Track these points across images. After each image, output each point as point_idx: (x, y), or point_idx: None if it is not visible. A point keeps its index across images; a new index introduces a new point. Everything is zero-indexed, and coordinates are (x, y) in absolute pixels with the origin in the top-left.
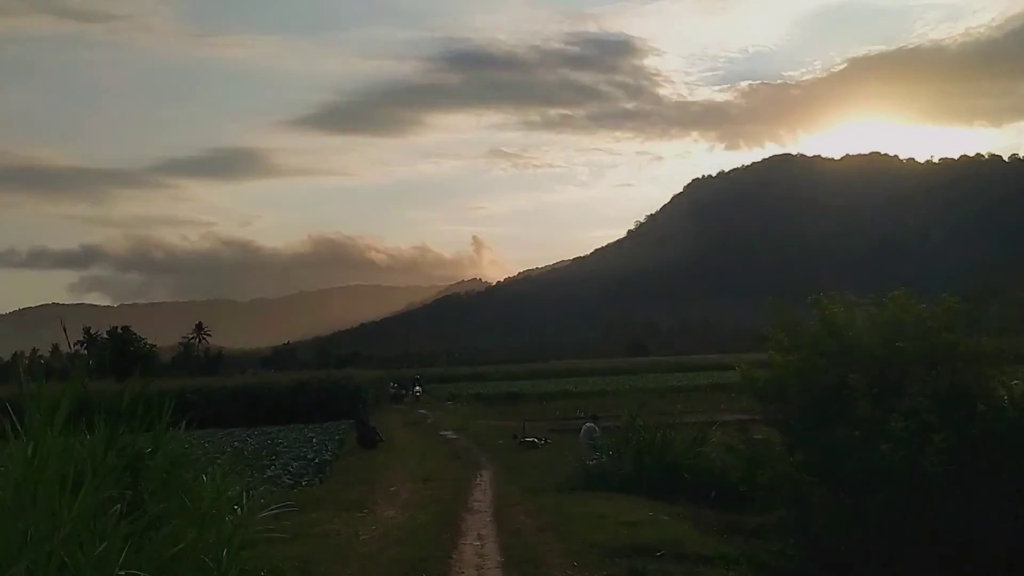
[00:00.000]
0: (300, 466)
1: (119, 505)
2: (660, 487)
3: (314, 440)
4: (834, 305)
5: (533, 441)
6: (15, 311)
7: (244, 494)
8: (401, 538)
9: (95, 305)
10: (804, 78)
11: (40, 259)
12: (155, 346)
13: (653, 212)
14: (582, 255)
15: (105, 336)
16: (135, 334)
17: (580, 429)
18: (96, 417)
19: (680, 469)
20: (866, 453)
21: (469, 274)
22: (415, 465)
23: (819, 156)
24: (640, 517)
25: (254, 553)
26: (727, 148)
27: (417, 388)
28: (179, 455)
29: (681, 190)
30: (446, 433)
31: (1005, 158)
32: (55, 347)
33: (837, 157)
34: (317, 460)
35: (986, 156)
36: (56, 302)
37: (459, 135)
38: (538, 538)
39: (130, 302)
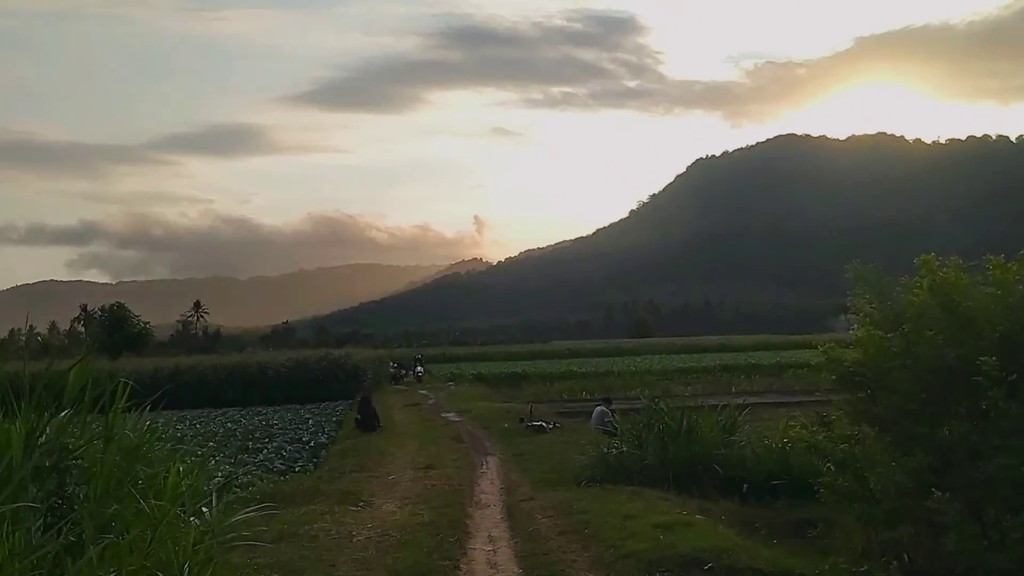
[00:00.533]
0: (294, 450)
1: (44, 517)
2: (687, 480)
3: (310, 421)
4: (947, 270)
5: (541, 425)
6: (13, 288)
7: (215, 494)
8: (401, 541)
9: (93, 282)
10: (810, 57)
11: (38, 235)
12: (148, 323)
13: (656, 192)
14: (584, 235)
15: (102, 314)
16: (129, 311)
17: (591, 412)
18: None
19: (710, 460)
20: (1010, 458)
21: (470, 254)
22: (416, 450)
23: (824, 136)
24: (673, 518)
25: (223, 565)
26: (731, 128)
27: (419, 368)
28: (136, 446)
29: (684, 170)
30: (448, 415)
31: (1012, 139)
32: (52, 324)
33: (842, 137)
34: (312, 443)
35: (993, 137)
36: (54, 279)
37: (460, 112)
38: (559, 543)
39: (128, 279)
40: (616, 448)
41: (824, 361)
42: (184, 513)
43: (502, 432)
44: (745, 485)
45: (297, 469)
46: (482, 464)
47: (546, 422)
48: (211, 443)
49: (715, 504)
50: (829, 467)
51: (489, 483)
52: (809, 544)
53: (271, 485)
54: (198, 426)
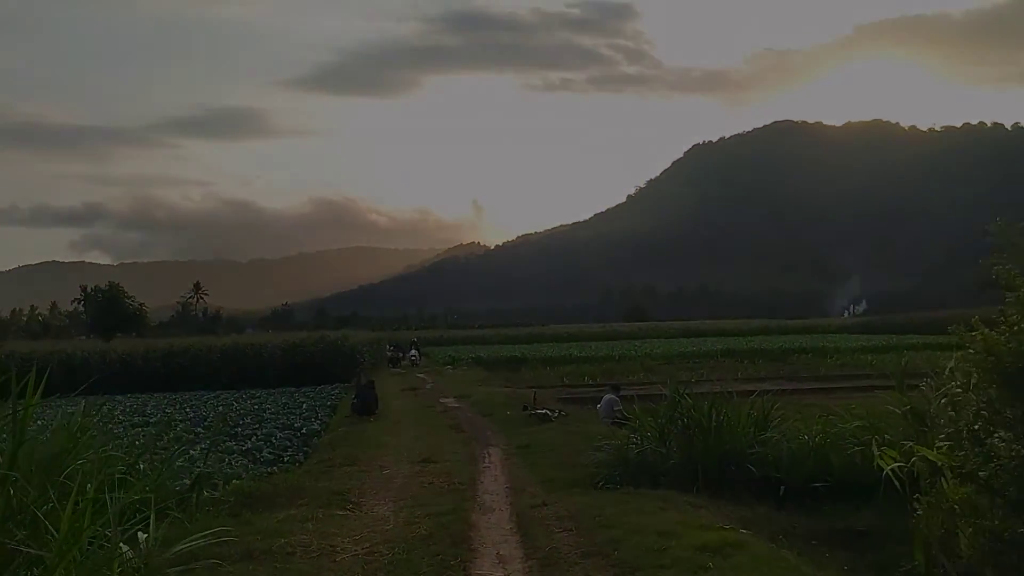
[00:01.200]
0: (284, 437)
1: None
2: (718, 482)
3: (304, 406)
4: None
5: (546, 413)
6: (16, 268)
7: (154, 520)
8: (393, 560)
9: (95, 263)
10: (808, 44)
11: (42, 217)
12: (143, 304)
13: (653, 177)
14: (581, 219)
15: (97, 294)
16: (124, 291)
17: (595, 399)
18: None
19: (743, 459)
20: None
21: (469, 237)
22: (412, 440)
23: (821, 122)
24: (718, 536)
25: None
26: (728, 114)
27: (414, 352)
28: (63, 450)
29: (682, 155)
30: (447, 401)
31: (1007, 126)
32: (54, 304)
33: (839, 124)
34: (304, 430)
35: (988, 124)
36: (57, 259)
37: (459, 97)
38: (584, 570)
39: (130, 261)
40: (635, 443)
41: (978, 351)
42: (112, 538)
43: (504, 420)
44: (782, 488)
45: (286, 459)
46: (484, 457)
47: (550, 410)
48: (199, 429)
49: (752, 511)
50: (994, 502)
51: (493, 480)
52: (864, 558)
53: (250, 482)
54: (188, 410)
